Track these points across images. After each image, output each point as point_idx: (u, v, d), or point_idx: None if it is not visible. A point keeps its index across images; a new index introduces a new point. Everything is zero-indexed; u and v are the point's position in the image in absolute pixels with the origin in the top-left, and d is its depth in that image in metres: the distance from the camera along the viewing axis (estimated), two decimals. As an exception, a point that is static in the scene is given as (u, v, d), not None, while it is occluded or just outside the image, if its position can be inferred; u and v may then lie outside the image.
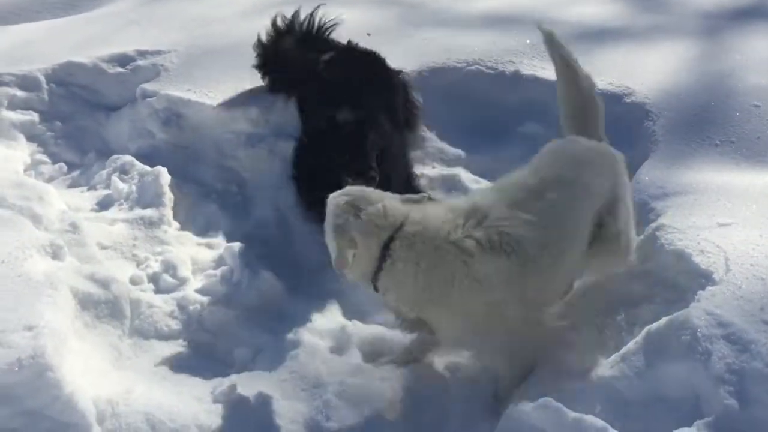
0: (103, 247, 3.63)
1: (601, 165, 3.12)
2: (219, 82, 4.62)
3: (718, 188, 3.53)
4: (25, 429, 2.62)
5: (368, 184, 3.39)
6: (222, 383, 3.03)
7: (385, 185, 3.48)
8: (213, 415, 2.90)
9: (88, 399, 2.73)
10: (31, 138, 4.54)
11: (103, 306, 3.22)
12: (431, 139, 4.50)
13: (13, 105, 4.62)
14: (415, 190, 3.95)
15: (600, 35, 5.07)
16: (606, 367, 2.78)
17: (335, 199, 2.86)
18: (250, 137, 4.35)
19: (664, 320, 2.78)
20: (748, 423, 2.42)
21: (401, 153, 4.15)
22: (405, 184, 3.97)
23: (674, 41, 4.97)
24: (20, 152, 4.42)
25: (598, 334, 3.03)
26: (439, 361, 3.17)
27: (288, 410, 2.94)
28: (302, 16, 4.60)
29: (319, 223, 2.99)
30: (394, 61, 4.70)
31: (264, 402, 2.95)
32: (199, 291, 3.54)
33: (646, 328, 2.80)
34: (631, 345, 2.80)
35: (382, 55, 4.49)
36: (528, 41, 4.92)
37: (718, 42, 4.94)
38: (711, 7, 5.44)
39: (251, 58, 4.53)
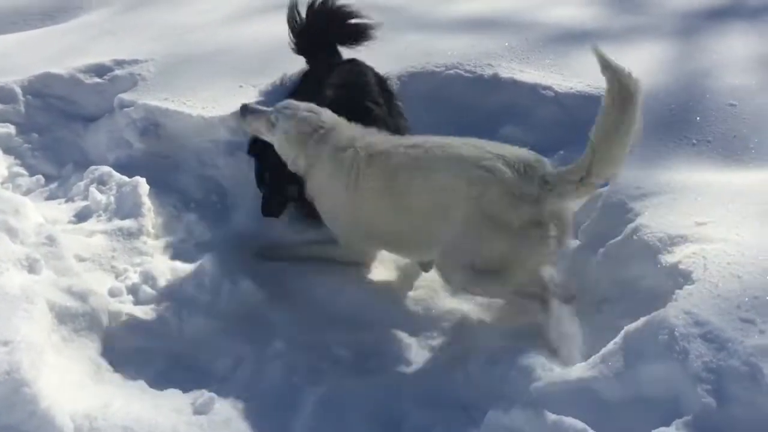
0: (81, 260, 3.60)
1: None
2: (197, 91, 4.60)
3: (695, 187, 3.55)
4: (2, 445, 2.60)
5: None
6: (202, 395, 3.01)
7: None
8: (193, 427, 2.88)
9: (65, 414, 2.70)
10: (7, 150, 4.51)
11: (80, 319, 3.19)
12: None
13: (-10, 117, 4.59)
14: None
15: (578, 37, 5.08)
16: (585, 369, 2.79)
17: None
18: (230, 145, 4.34)
19: (641, 320, 2.79)
20: (727, 421, 2.43)
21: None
22: None
23: (651, 42, 4.99)
24: (-3, 165, 4.39)
25: (576, 335, 3.04)
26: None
27: (269, 423, 2.92)
28: None
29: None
30: (374, 66, 4.71)
31: (244, 414, 2.93)
32: (179, 302, 3.51)
33: (625, 329, 2.82)
34: (610, 346, 2.81)
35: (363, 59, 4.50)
36: (506, 44, 4.93)
37: (694, 42, 4.97)
38: (688, 8, 5.47)
39: (229, 66, 4.51)
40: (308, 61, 4.55)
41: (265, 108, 3.75)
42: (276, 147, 3.70)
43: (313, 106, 3.70)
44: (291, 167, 3.69)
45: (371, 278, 3.74)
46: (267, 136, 3.71)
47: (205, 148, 4.38)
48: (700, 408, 2.47)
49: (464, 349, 3.29)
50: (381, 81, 4.34)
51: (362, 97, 4.06)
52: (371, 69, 4.34)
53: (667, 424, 2.48)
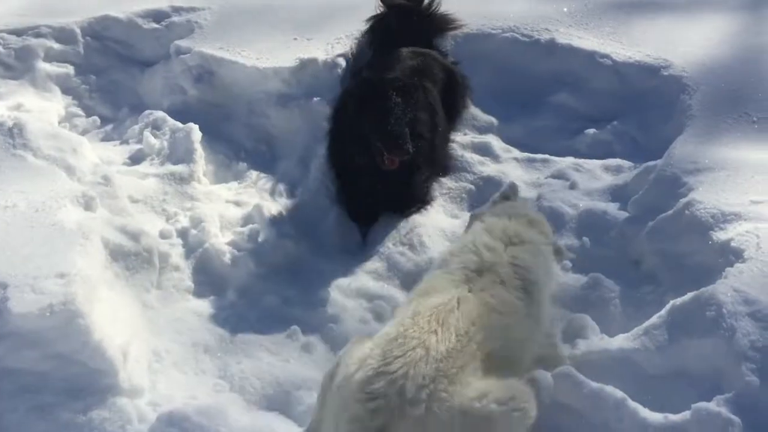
0: (134, 201, 3.69)
1: None
2: (252, 42, 4.62)
3: (752, 165, 3.47)
4: (54, 372, 2.70)
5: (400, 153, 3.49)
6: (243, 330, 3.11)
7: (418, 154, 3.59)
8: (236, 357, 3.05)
9: (117, 347, 2.80)
10: (66, 90, 4.60)
11: (132, 257, 3.28)
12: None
13: (49, 57, 4.67)
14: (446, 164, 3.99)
15: (639, 6, 4.95)
16: (628, 340, 2.79)
17: None
18: (282, 97, 4.36)
19: (689, 295, 2.77)
20: (769, 401, 2.42)
21: (442, 135, 4.05)
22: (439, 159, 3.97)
23: (715, 14, 4.84)
24: (56, 104, 4.49)
25: (622, 307, 3.03)
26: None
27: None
28: None
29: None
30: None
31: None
32: (226, 247, 3.58)
33: (671, 303, 2.80)
34: (654, 319, 2.80)
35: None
36: (565, 9, 4.83)
37: (759, 17, 4.81)
38: (756, -20, 5.29)
39: (285, 18, 4.51)
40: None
41: None
42: None
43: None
44: None
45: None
46: None
47: (258, 99, 4.41)
48: (743, 386, 2.45)
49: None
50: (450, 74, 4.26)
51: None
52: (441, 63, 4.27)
53: (708, 399, 2.47)
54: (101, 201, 3.41)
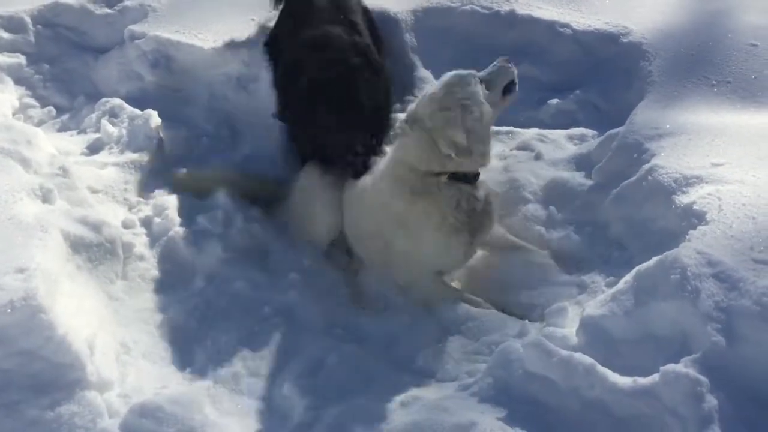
0: (94, 191, 3.61)
1: None
2: (209, 23, 4.54)
3: (713, 129, 3.49)
4: (19, 369, 2.64)
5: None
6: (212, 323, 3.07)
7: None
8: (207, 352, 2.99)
9: (82, 340, 2.74)
10: (18, 81, 4.48)
11: (95, 249, 3.21)
12: (426, 80, 4.44)
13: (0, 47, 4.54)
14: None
15: (597, -27, 4.95)
16: (595, 306, 2.80)
17: None
18: (241, 78, 4.30)
19: (653, 260, 2.78)
20: (735, 359, 2.45)
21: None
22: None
23: (672, -21, 4.85)
24: (8, 95, 4.36)
25: (587, 274, 3.05)
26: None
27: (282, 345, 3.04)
28: None
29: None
30: (388, 1, 4.62)
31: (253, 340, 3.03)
32: (192, 234, 3.53)
33: (636, 268, 2.81)
34: (620, 285, 2.82)
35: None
36: (524, -20, 4.81)
37: (717, -20, 4.83)
38: (711, -55, 5.31)
39: (241, -1, 4.43)
40: None
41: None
42: None
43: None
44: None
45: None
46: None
47: (217, 81, 4.34)
48: (709, 346, 2.48)
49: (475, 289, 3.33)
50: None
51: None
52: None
53: (676, 361, 2.49)
54: (59, 193, 3.32)
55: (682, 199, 3.09)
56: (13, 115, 4.24)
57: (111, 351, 2.87)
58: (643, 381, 2.47)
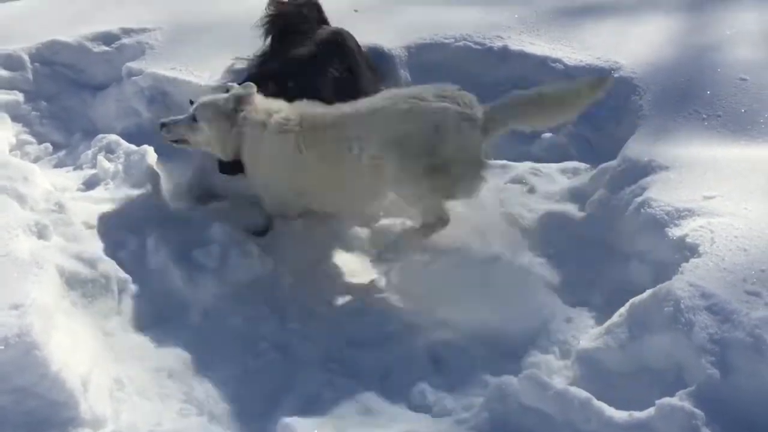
0: (90, 227, 3.61)
1: None
2: (204, 60, 4.59)
3: (704, 161, 3.54)
4: (13, 407, 2.63)
5: None
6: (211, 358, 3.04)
7: None
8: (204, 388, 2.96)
9: (76, 376, 2.73)
10: (16, 118, 4.52)
11: (90, 285, 3.22)
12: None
13: (-3, 85, 4.60)
14: None
15: (587, 10, 5.05)
16: (590, 340, 2.82)
17: None
18: (237, 115, 4.32)
19: (647, 292, 2.80)
20: (730, 391, 2.46)
21: None
22: None
23: (662, 15, 4.95)
24: (6, 132, 4.39)
25: (582, 307, 3.06)
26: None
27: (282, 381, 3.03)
28: None
29: None
30: (382, 38, 4.69)
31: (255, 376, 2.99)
32: (188, 269, 3.52)
33: (630, 301, 2.83)
34: (615, 318, 2.83)
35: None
36: (516, 16, 4.90)
37: (705, 16, 4.92)
38: (699, -19, 5.41)
39: (236, 35, 4.49)
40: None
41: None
42: (203, 142, 3.73)
43: (236, 87, 3.73)
44: (223, 155, 3.75)
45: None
46: (192, 136, 3.72)
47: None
48: (704, 379, 2.49)
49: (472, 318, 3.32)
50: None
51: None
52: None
53: (671, 394, 2.50)
54: (55, 229, 3.34)
55: (675, 232, 3.12)
56: (10, 151, 4.27)
57: (105, 388, 2.85)
58: (639, 415, 2.47)
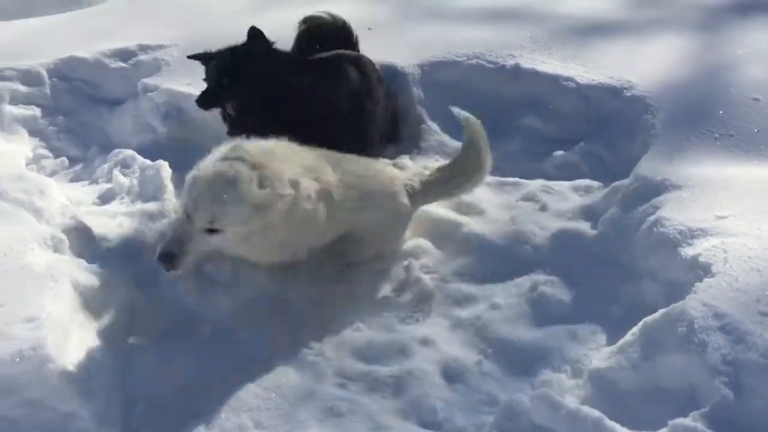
0: (105, 241, 3.62)
1: None
2: (219, 77, 4.62)
3: (717, 181, 3.54)
4: (27, 419, 2.65)
5: None
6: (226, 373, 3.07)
7: None
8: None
9: (89, 390, 2.75)
10: (33, 132, 4.57)
11: (104, 299, 3.23)
12: (433, 131, 4.52)
13: (16, 100, 4.64)
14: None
15: (600, 28, 5.07)
16: (602, 359, 2.81)
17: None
18: (251, 131, 4.36)
19: (660, 312, 2.79)
20: (744, 413, 2.44)
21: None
22: None
23: (674, 34, 4.97)
24: (23, 146, 4.44)
25: (594, 326, 3.05)
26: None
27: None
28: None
29: None
30: (395, 56, 4.72)
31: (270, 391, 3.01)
32: (201, 284, 3.55)
33: (643, 321, 2.82)
34: (627, 337, 2.82)
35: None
36: (528, 35, 4.93)
37: (718, 35, 4.94)
38: (711, 0, 5.44)
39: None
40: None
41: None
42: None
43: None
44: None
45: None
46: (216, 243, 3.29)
47: (227, 133, 4.40)
48: (718, 400, 2.47)
49: (482, 339, 3.32)
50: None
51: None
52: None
53: (684, 415, 2.48)
54: (70, 242, 3.37)
55: (688, 251, 3.11)
56: (27, 165, 4.31)
57: (118, 402, 2.87)
58: (651, 435, 2.46)
